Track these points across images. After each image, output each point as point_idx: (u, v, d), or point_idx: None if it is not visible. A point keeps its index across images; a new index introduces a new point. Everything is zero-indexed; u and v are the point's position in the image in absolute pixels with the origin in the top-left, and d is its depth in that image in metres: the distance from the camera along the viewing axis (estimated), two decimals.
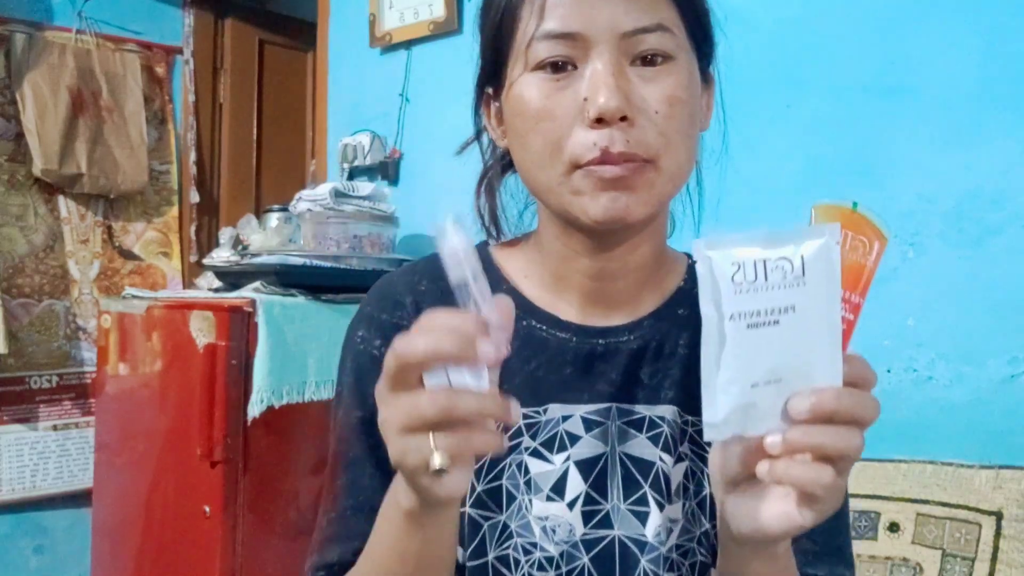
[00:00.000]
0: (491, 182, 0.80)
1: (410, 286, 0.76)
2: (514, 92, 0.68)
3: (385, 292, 0.77)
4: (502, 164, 0.79)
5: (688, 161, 0.68)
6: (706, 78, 0.73)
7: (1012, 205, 1.40)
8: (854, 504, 1.38)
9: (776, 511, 0.54)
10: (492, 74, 0.72)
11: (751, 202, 1.66)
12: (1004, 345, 1.39)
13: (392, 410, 0.52)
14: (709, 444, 0.70)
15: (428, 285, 0.76)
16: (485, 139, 0.79)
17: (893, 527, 1.35)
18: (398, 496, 0.58)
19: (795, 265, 0.52)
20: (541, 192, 0.70)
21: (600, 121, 0.63)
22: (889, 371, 1.50)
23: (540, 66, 0.66)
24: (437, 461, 0.50)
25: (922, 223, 1.48)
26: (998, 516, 1.27)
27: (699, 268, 0.52)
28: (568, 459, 0.71)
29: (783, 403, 0.52)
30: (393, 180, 2.38)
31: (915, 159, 1.49)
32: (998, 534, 1.26)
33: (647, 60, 0.65)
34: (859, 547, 1.36)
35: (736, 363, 0.52)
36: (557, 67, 0.65)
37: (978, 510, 1.29)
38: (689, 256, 0.80)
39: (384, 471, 0.71)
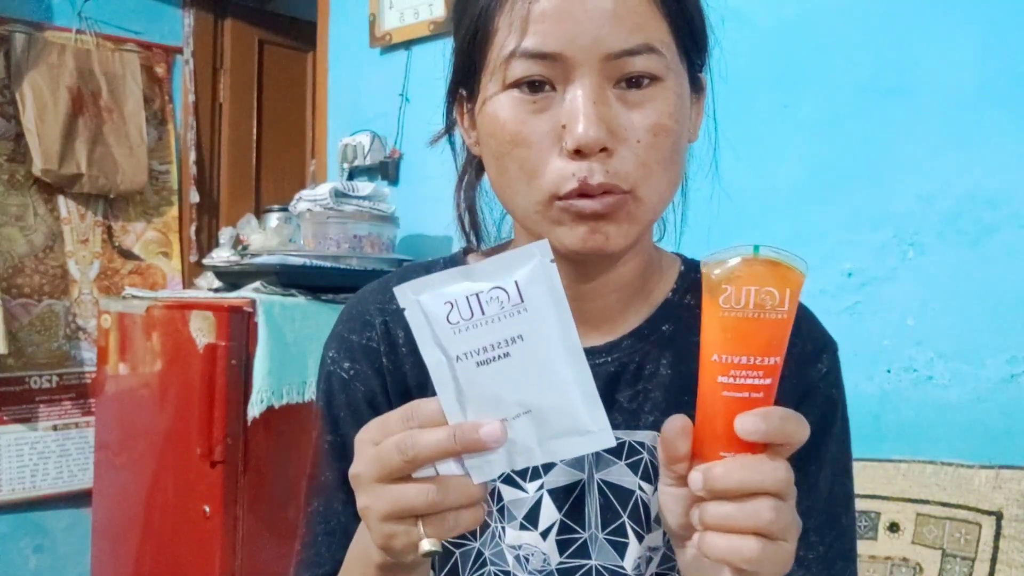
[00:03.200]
0: (469, 185, 0.77)
1: (381, 305, 0.74)
2: (488, 110, 0.64)
3: (355, 312, 0.76)
4: (476, 166, 0.76)
5: (670, 187, 0.65)
6: (697, 85, 0.69)
7: (1011, 205, 1.40)
8: None
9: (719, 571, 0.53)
10: (465, 79, 0.68)
11: (750, 202, 1.66)
12: (1003, 345, 1.39)
13: (375, 500, 0.51)
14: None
15: (399, 304, 0.75)
16: (458, 136, 0.76)
17: (893, 527, 1.36)
18: (369, 551, 0.57)
19: (511, 292, 0.49)
20: (517, 216, 0.67)
21: (578, 152, 0.59)
22: (889, 371, 1.50)
23: (517, 84, 0.61)
24: (427, 547, 0.50)
25: (921, 223, 1.48)
26: (998, 516, 1.27)
27: (409, 315, 0.50)
28: (542, 487, 0.69)
29: (544, 430, 0.51)
30: (393, 180, 2.38)
31: (914, 159, 1.49)
32: (998, 534, 1.26)
33: (632, 82, 0.61)
34: (859, 547, 1.36)
35: (479, 404, 0.50)
36: (534, 87, 0.61)
37: (978, 510, 1.29)
38: (681, 257, 0.77)
39: (355, 497, 0.72)
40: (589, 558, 0.68)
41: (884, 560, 1.35)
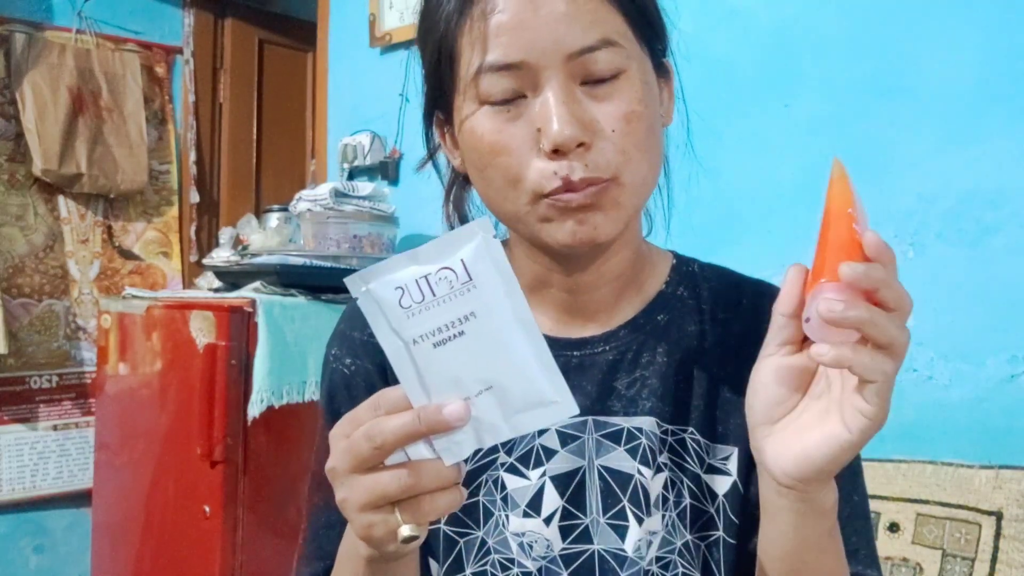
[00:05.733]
0: (457, 194, 0.78)
1: None
2: (467, 128, 0.65)
3: (357, 311, 0.76)
4: (463, 180, 0.77)
5: (652, 169, 0.66)
6: (663, 70, 0.70)
7: (1011, 204, 1.40)
8: None
9: (820, 434, 0.53)
10: (439, 101, 0.70)
11: (750, 201, 1.66)
12: (1004, 344, 1.39)
13: (352, 491, 0.52)
14: (681, 457, 0.71)
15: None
16: (442, 156, 0.77)
17: (893, 527, 1.35)
18: (357, 545, 0.58)
19: (458, 271, 0.50)
20: (508, 221, 0.69)
21: (557, 152, 0.61)
22: None
23: (489, 99, 0.63)
24: (407, 532, 0.51)
25: (921, 223, 1.48)
26: (998, 516, 1.27)
27: (362, 304, 0.51)
28: (544, 474, 0.70)
29: (507, 405, 0.51)
30: (393, 180, 2.38)
31: (914, 159, 1.49)
32: (998, 534, 1.26)
33: (598, 78, 0.63)
34: None
35: (441, 386, 0.51)
36: (507, 98, 0.63)
37: (978, 510, 1.29)
38: (674, 255, 0.79)
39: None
40: (591, 543, 0.70)
41: (884, 560, 1.35)
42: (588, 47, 0.61)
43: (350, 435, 0.52)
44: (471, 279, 0.50)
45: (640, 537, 0.69)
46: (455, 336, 0.50)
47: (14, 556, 2.66)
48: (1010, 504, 1.27)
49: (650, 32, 0.67)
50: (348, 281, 0.51)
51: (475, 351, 0.50)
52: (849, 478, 0.72)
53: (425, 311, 0.50)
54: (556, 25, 0.61)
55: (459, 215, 0.79)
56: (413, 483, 0.51)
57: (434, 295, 0.50)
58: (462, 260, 0.50)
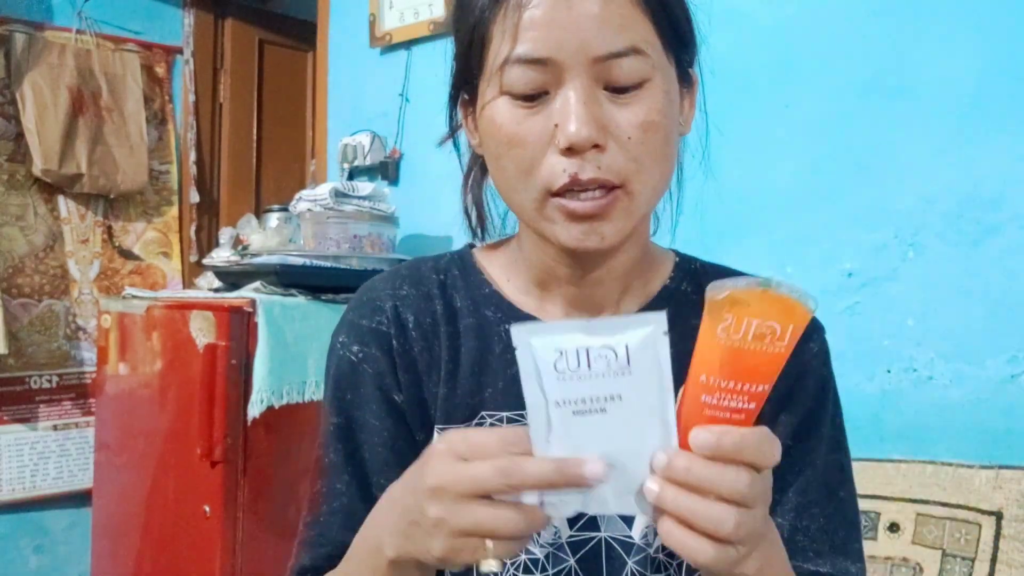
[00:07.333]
0: (475, 182, 0.80)
1: (391, 291, 0.76)
2: (487, 114, 0.67)
3: (366, 297, 0.78)
4: (481, 164, 0.78)
5: (662, 179, 0.68)
6: (688, 79, 0.71)
7: (1011, 205, 1.40)
8: None
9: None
10: (466, 83, 0.72)
11: (750, 202, 1.66)
12: (1004, 345, 1.39)
13: (457, 515, 0.52)
14: None
15: (409, 290, 0.76)
16: (461, 137, 0.79)
17: (893, 527, 1.36)
18: (382, 544, 0.58)
19: (619, 354, 0.50)
20: (516, 212, 0.70)
21: (570, 150, 0.62)
22: (889, 371, 1.50)
23: (512, 89, 0.65)
24: (494, 567, 0.52)
25: (922, 223, 1.48)
26: (998, 516, 1.27)
27: (520, 355, 0.52)
28: None
29: (620, 486, 0.52)
30: (393, 180, 2.38)
31: (914, 159, 1.49)
32: (998, 534, 1.26)
33: (621, 84, 0.64)
34: None
35: (565, 447, 0.51)
36: (529, 92, 0.64)
37: (978, 510, 1.29)
38: (676, 253, 0.80)
39: (359, 478, 0.73)
40: (599, 530, 0.70)
41: (884, 560, 1.35)
42: (615, 52, 0.62)
43: (469, 459, 0.52)
44: (629, 365, 0.50)
45: (647, 524, 0.69)
46: (596, 411, 0.51)
47: (14, 556, 2.66)
48: (1010, 504, 1.27)
49: (678, 42, 0.68)
50: (514, 329, 0.52)
51: (610, 431, 0.51)
52: (835, 472, 0.73)
53: (576, 380, 0.51)
54: (587, 26, 0.62)
55: (475, 201, 0.80)
56: (523, 529, 0.51)
57: (590, 368, 0.50)
58: (627, 345, 0.50)
